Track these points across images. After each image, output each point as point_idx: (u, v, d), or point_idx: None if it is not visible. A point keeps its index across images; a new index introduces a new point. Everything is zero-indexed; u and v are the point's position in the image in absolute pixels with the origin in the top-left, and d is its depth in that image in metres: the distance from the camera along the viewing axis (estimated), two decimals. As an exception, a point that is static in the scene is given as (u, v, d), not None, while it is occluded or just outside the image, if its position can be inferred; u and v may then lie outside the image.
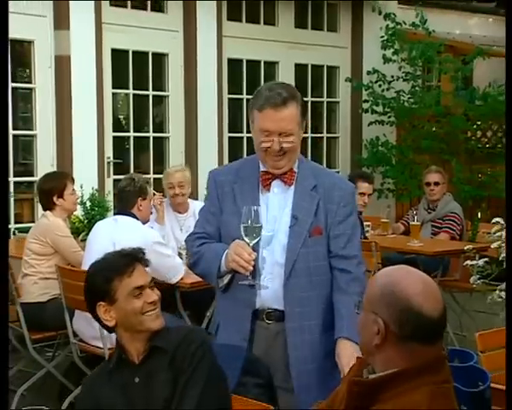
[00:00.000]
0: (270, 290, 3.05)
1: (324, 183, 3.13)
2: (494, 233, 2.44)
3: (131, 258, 2.87)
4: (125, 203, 5.40)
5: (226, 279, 3.10)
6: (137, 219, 5.33)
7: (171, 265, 5.15)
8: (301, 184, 3.12)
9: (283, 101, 3.00)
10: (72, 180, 5.91)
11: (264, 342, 3.11)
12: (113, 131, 8.23)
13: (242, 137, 9.07)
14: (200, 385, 2.72)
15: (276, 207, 3.11)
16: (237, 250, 2.96)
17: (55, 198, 5.71)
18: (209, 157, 8.54)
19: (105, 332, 4.80)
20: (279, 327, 3.09)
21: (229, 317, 3.16)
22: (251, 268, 2.96)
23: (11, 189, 7.64)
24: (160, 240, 5.36)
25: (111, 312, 2.83)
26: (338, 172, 9.82)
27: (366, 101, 9.49)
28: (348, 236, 3.12)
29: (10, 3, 7.16)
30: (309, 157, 9.64)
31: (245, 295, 3.07)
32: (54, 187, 5.77)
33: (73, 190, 5.81)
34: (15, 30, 7.42)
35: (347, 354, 2.88)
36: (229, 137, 8.76)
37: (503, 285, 2.42)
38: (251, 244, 2.97)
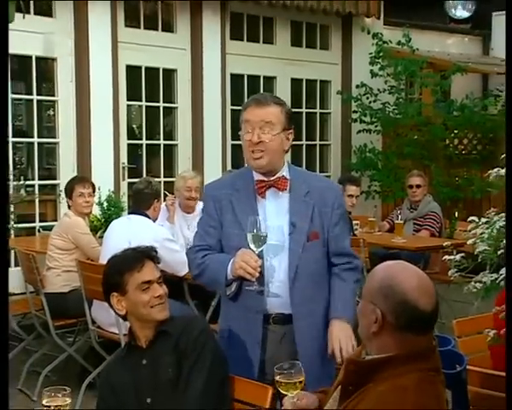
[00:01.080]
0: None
1: (316, 188, 3.06)
2: (470, 231, 2.45)
3: (142, 255, 2.89)
4: (141, 204, 5.38)
5: (234, 287, 3.00)
6: (149, 218, 5.33)
7: (180, 260, 5.11)
8: (295, 192, 3.03)
9: (266, 100, 2.98)
10: (87, 185, 5.87)
11: (273, 345, 3.03)
12: (128, 139, 8.23)
13: (244, 145, 9.03)
14: (205, 373, 2.73)
15: (274, 214, 3.01)
16: (244, 258, 2.88)
17: (66, 199, 5.86)
18: (214, 163, 8.55)
19: (120, 319, 4.81)
20: (285, 329, 3.02)
21: (239, 322, 3.05)
22: (257, 274, 2.88)
23: (36, 191, 7.67)
24: (170, 237, 5.36)
25: (122, 302, 2.86)
26: (329, 176, 9.84)
27: (355, 111, 9.48)
28: (345, 235, 3.10)
29: (36, 24, 7.20)
30: (303, 163, 9.69)
31: (255, 301, 2.98)
32: (65, 189, 5.93)
33: (81, 192, 5.74)
34: (40, 49, 7.49)
35: (337, 332, 2.86)
36: (232, 145, 8.74)
37: (478, 277, 2.42)
38: (257, 252, 2.89)
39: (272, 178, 3.02)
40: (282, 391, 2.43)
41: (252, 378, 2.94)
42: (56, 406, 2.39)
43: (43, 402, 2.42)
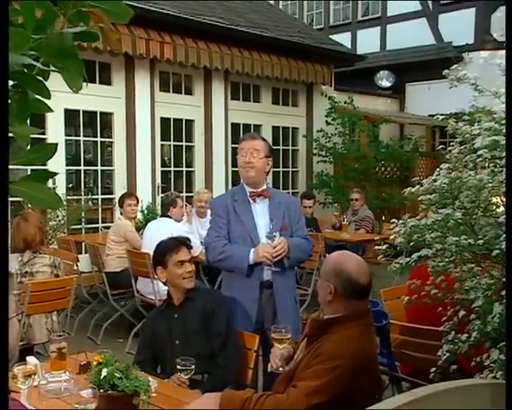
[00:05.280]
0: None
1: (284, 201, 3.19)
2: (392, 229, 2.47)
3: (179, 242, 2.90)
4: (163, 209, 5.47)
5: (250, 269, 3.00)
6: (173, 219, 5.35)
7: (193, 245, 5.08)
8: (273, 200, 3.14)
9: (255, 136, 3.15)
10: (133, 198, 5.87)
11: (263, 302, 3.05)
12: (161, 167, 8.18)
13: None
14: (225, 321, 2.75)
15: (262, 213, 3.10)
16: (265, 249, 2.95)
17: (119, 208, 5.89)
18: (220, 184, 8.55)
19: (156, 290, 4.80)
20: (270, 292, 3.05)
21: (241, 289, 3.02)
22: (274, 260, 2.96)
23: (99, 202, 7.64)
24: (187, 230, 5.36)
25: (164, 273, 2.86)
26: (298, 192, 9.84)
27: (315, 148, 9.52)
28: (303, 228, 3.20)
29: (99, 90, 7.18)
30: (281, 183, 9.70)
31: (257, 273, 3.01)
32: (118, 201, 5.97)
33: (129, 203, 5.75)
34: (102, 106, 7.47)
35: None
36: (233, 171, 8.72)
37: (397, 260, 2.43)
38: (271, 244, 2.96)
39: (259, 190, 3.12)
40: (275, 344, 2.42)
41: (251, 326, 2.95)
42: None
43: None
